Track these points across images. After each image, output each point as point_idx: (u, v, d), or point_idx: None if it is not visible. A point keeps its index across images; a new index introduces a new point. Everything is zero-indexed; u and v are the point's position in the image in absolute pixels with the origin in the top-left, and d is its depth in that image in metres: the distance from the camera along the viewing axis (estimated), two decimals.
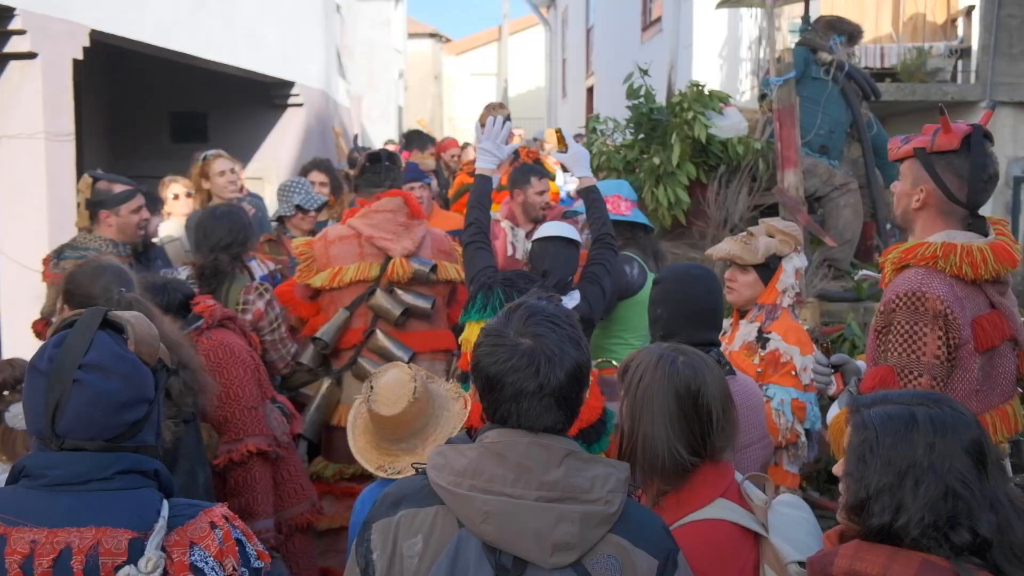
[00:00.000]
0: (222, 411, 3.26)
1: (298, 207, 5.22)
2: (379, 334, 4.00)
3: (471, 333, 3.06)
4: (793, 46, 6.19)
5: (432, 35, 29.97)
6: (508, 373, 1.81)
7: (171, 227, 5.79)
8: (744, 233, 3.74)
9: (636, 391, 2.18)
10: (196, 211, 5.61)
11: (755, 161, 5.81)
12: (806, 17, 6.33)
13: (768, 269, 3.60)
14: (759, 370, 3.46)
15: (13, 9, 5.15)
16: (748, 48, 10.10)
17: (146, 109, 10.24)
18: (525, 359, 1.81)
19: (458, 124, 30.51)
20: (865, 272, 3.55)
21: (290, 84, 9.71)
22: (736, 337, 3.62)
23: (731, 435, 2.24)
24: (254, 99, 9.92)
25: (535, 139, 16.43)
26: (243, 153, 9.78)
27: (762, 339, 3.51)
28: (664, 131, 5.99)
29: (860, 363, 2.97)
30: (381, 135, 18.90)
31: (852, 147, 6.33)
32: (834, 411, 2.81)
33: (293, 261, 4.80)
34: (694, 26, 10.38)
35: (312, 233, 5.17)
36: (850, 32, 6.12)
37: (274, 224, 5.56)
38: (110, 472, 1.75)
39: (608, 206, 4.48)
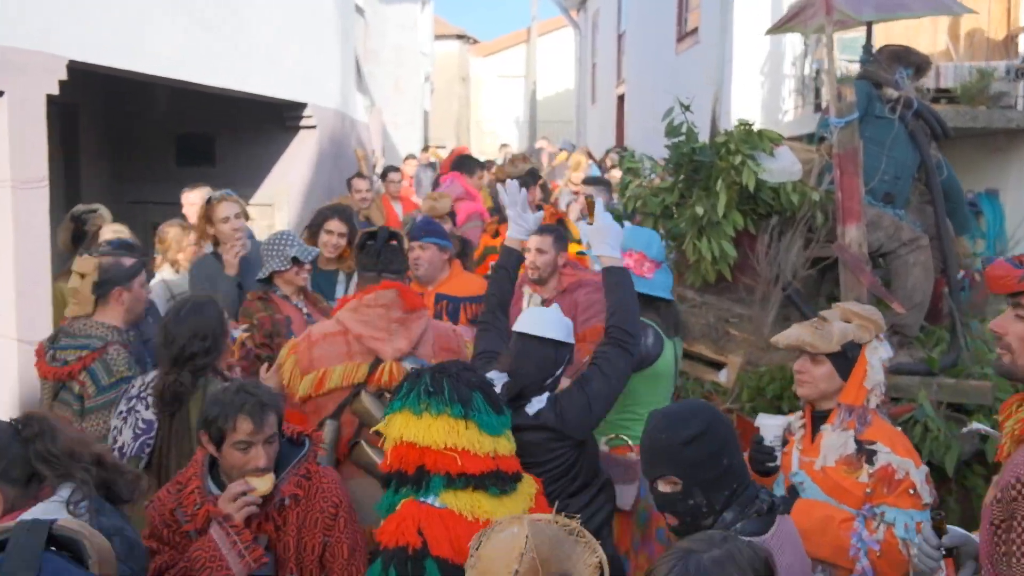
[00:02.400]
0: (354, 567, 2.91)
1: (295, 260, 4.70)
2: (364, 445, 3.43)
3: (391, 427, 2.69)
4: (846, 74, 5.55)
5: (459, 36, 29.44)
6: None
7: (171, 276, 5.51)
8: (816, 318, 3.21)
9: None
10: (204, 256, 5.34)
11: (812, 211, 5.14)
12: (867, 46, 5.65)
13: (845, 359, 3.09)
14: (868, 490, 2.94)
15: None
16: (792, 64, 9.44)
17: (149, 130, 9.68)
18: None
19: (485, 127, 30.04)
20: (978, 426, 2.97)
21: (302, 106, 9.15)
22: (824, 447, 3.06)
23: None
24: (265, 121, 9.36)
25: (560, 150, 15.88)
26: (252, 177, 9.27)
27: (866, 451, 2.97)
28: (708, 174, 5.35)
29: (977, 539, 2.37)
30: (407, 140, 18.37)
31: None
32: None
33: (288, 319, 4.49)
34: (734, 40, 9.76)
35: (303, 291, 4.80)
36: (918, 64, 5.45)
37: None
38: None
39: (629, 262, 3.95)
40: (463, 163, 8.43)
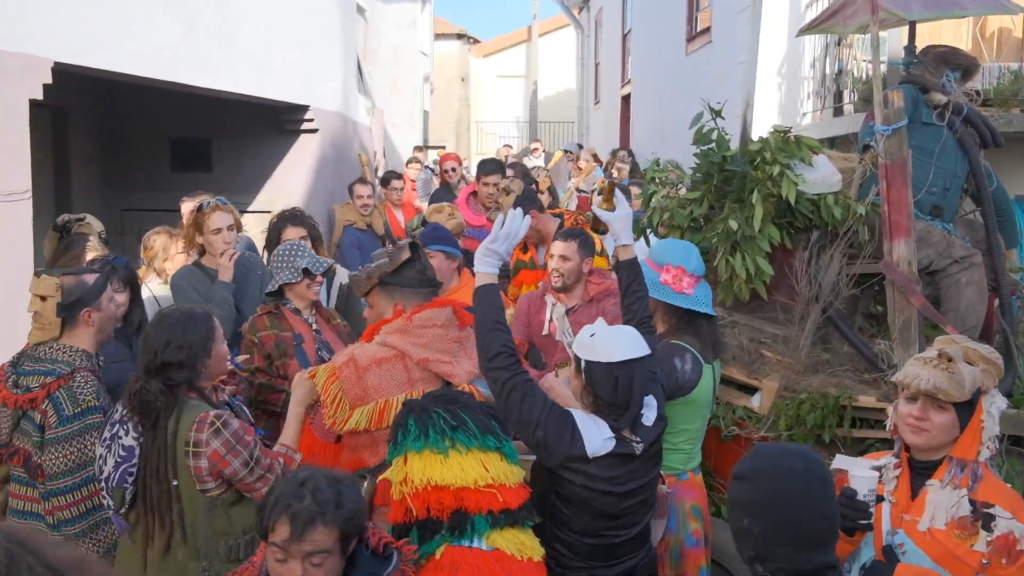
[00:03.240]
0: None
1: (306, 271, 4.41)
2: None
3: (412, 472, 2.39)
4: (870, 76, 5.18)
5: (459, 36, 29.10)
6: None
7: (159, 288, 5.18)
8: (935, 354, 2.76)
9: None
10: (184, 267, 5.00)
11: (856, 226, 4.76)
12: (911, 48, 5.28)
13: (970, 408, 2.69)
14: (985, 560, 2.54)
15: None
16: (811, 66, 9.07)
17: (143, 134, 9.26)
18: None
19: (485, 128, 29.68)
20: None
21: (303, 108, 8.72)
22: (931, 506, 2.66)
23: None
24: (263, 124, 8.95)
25: (565, 151, 15.44)
26: (251, 183, 8.88)
27: (982, 516, 2.57)
28: (741, 185, 4.98)
29: None
30: (406, 141, 18.02)
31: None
32: None
33: (299, 337, 4.26)
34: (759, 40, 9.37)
35: (316, 305, 4.51)
36: (966, 66, 5.08)
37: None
38: None
39: (667, 278, 3.72)
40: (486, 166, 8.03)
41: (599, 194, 3.53)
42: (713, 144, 5.13)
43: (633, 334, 3.01)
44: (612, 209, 3.47)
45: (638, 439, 2.92)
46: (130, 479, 2.95)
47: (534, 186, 9.24)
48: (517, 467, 2.55)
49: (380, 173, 11.65)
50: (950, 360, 2.68)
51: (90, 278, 3.40)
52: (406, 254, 3.31)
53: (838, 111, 8.50)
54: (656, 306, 3.76)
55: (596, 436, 2.84)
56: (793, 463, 2.16)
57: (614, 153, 13.43)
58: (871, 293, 5.19)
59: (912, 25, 5.42)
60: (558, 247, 4.54)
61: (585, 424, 2.86)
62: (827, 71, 8.82)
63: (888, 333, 4.91)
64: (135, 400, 2.93)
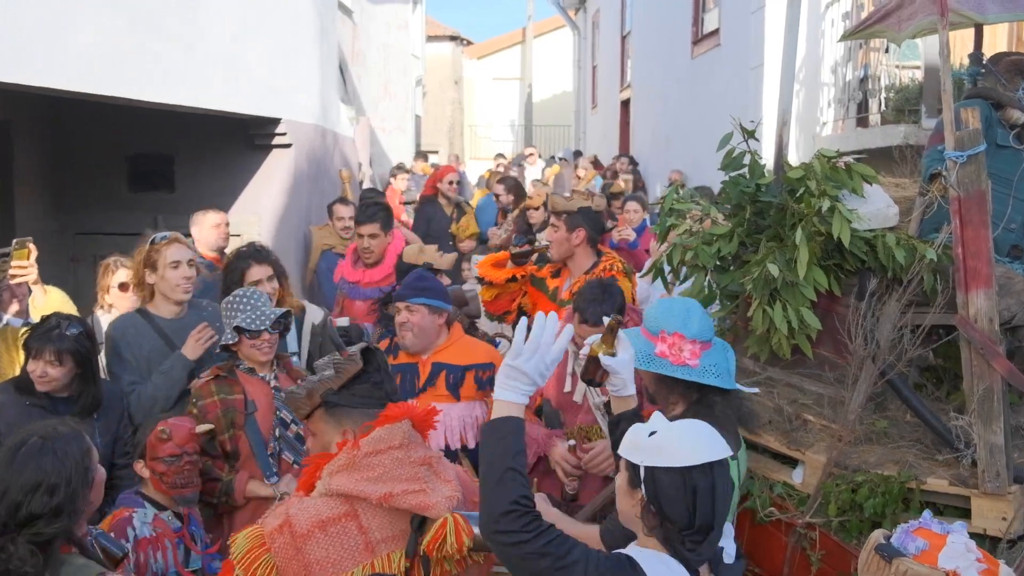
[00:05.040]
0: None
1: (238, 330, 3.82)
2: None
3: None
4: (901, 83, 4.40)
5: (452, 37, 28.53)
6: None
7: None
8: None
9: None
10: (124, 316, 4.42)
11: (921, 272, 3.96)
12: (978, 55, 4.49)
13: None
14: None
15: None
16: (831, 72, 8.35)
17: (97, 149, 8.42)
18: None
19: (479, 132, 29.11)
20: None
21: (275, 121, 7.92)
22: None
23: None
24: (231, 139, 8.15)
25: (561, 158, 14.72)
26: (218, 204, 8.06)
27: None
28: (779, 219, 4.19)
29: None
30: (397, 146, 17.28)
31: None
32: None
33: (250, 404, 3.75)
34: (765, 43, 8.72)
35: (279, 361, 3.99)
36: None
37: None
38: None
39: (662, 348, 3.02)
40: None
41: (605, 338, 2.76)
42: (745, 170, 4.35)
43: (708, 428, 2.23)
44: (613, 354, 2.73)
45: None
46: None
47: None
48: None
49: (365, 185, 10.90)
50: None
51: None
52: (356, 365, 2.45)
53: (862, 121, 7.79)
54: (657, 383, 3.07)
55: None
56: None
57: (617, 159, 12.88)
58: (927, 343, 4.41)
59: (979, 28, 4.64)
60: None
61: (653, 570, 2.08)
62: (848, 77, 8.13)
63: (954, 393, 4.15)
64: None
